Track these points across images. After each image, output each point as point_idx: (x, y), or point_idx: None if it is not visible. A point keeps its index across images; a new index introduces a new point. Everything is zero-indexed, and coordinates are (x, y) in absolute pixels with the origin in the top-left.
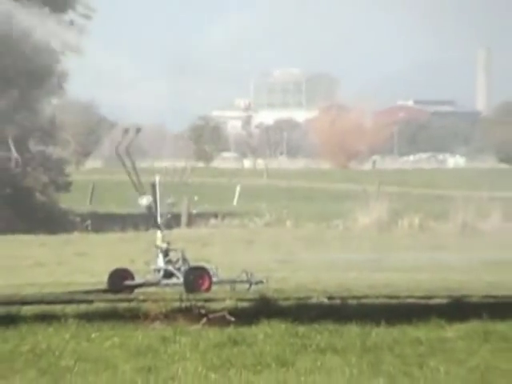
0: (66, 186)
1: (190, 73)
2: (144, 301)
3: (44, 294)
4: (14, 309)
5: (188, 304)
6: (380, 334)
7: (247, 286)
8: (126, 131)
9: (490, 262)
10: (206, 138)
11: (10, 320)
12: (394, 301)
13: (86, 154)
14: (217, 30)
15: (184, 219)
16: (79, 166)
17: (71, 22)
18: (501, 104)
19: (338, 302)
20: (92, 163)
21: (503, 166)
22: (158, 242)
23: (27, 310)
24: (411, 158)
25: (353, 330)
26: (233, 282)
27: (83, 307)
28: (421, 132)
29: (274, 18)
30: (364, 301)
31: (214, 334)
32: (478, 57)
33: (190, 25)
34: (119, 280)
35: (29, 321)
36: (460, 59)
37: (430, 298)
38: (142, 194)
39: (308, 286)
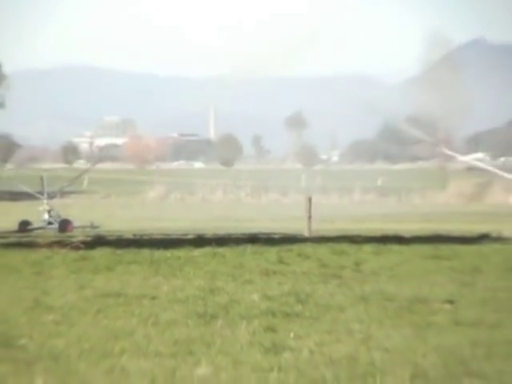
0: None
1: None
2: (36, 237)
3: None
4: None
5: (60, 238)
6: (159, 253)
7: (90, 229)
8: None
9: (213, 217)
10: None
11: None
12: (168, 237)
13: None
14: None
15: (58, 195)
16: None
17: None
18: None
19: (140, 237)
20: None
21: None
22: (45, 206)
23: None
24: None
25: (145, 251)
26: (83, 227)
27: (4, 240)
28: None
29: None
30: (153, 237)
31: (73, 254)
32: None
33: None
34: (24, 225)
35: None
36: None
37: (185, 234)
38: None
39: (121, 230)
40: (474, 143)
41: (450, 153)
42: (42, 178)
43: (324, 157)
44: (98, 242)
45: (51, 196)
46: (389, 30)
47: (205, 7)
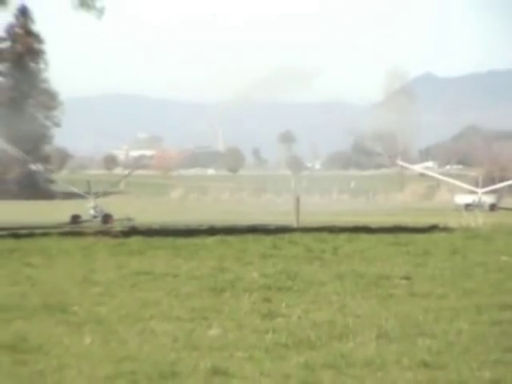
0: None
1: None
2: (84, 227)
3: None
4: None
5: (103, 229)
6: (180, 241)
7: (126, 221)
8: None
9: (222, 212)
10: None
11: None
12: (187, 228)
13: None
14: None
15: (102, 194)
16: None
17: None
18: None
19: (165, 228)
20: None
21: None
22: (91, 204)
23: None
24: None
25: (169, 239)
26: (121, 219)
27: (60, 230)
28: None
29: None
30: (175, 228)
31: (113, 241)
32: None
33: None
34: (75, 218)
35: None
36: None
37: (200, 226)
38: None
39: (150, 222)
40: (425, 154)
41: (402, 164)
42: (88, 182)
43: (309, 165)
44: (133, 231)
45: (96, 195)
46: (358, 62)
47: (208, 41)
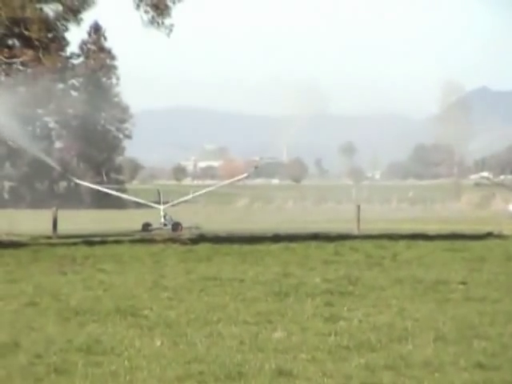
0: None
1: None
2: (155, 235)
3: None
4: None
5: (172, 236)
6: (246, 247)
7: (195, 229)
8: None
9: (286, 221)
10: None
11: None
12: (252, 235)
13: None
14: None
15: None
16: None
17: None
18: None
19: (232, 235)
20: None
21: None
22: (161, 212)
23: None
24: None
25: (235, 246)
26: (190, 227)
27: (132, 237)
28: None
29: None
30: (241, 235)
31: (182, 248)
32: None
33: None
34: (146, 226)
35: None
36: None
37: (265, 233)
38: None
39: (218, 230)
40: (481, 164)
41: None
42: (158, 191)
43: (369, 175)
44: (200, 239)
45: (166, 204)
46: (415, 75)
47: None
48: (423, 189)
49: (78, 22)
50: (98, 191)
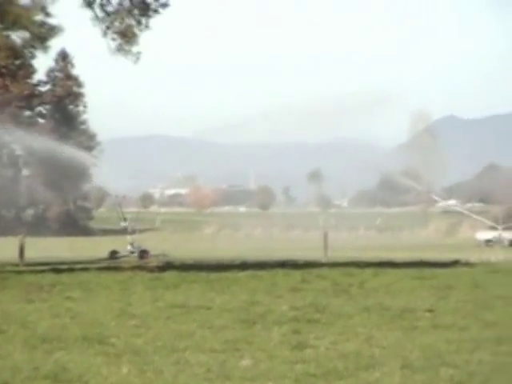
0: None
1: None
2: (122, 262)
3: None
4: None
5: (140, 264)
6: (213, 275)
7: (162, 257)
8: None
9: (253, 248)
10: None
11: None
12: (220, 263)
13: None
14: None
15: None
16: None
17: None
18: None
19: (199, 263)
20: None
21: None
22: (129, 240)
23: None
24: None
25: (203, 273)
26: (157, 255)
27: (99, 265)
28: (230, 196)
29: None
30: (209, 263)
31: (149, 275)
32: None
33: None
34: (113, 254)
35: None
36: None
37: (233, 261)
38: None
39: (185, 257)
40: (449, 192)
41: (436, 198)
42: (125, 219)
43: (337, 202)
44: (168, 266)
45: (133, 232)
46: (382, 104)
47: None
48: (391, 216)
49: (46, 49)
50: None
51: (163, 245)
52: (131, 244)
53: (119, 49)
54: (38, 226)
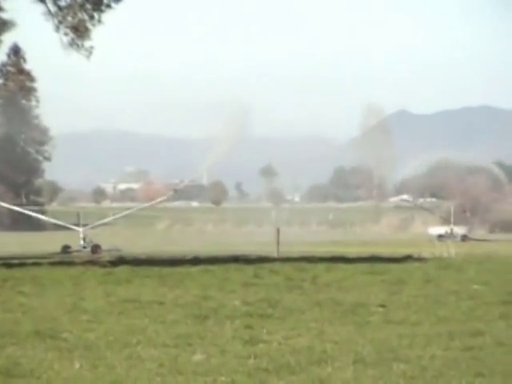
0: None
1: None
2: (74, 257)
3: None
4: None
5: (92, 259)
6: (165, 270)
7: (114, 251)
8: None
9: (206, 243)
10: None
11: None
12: (172, 258)
13: None
14: None
15: (90, 226)
16: None
17: None
18: None
19: (151, 258)
20: None
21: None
22: (81, 234)
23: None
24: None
25: (155, 268)
26: (109, 250)
27: (51, 260)
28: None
29: None
30: (161, 258)
31: (101, 270)
32: None
33: None
34: (65, 248)
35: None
36: None
37: (185, 256)
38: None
39: (137, 252)
40: (400, 187)
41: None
42: (78, 214)
43: (289, 197)
44: (120, 261)
45: (85, 227)
46: (335, 99)
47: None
48: (343, 211)
49: None
50: (19, 213)
51: (115, 240)
52: (83, 239)
53: (72, 43)
54: None
